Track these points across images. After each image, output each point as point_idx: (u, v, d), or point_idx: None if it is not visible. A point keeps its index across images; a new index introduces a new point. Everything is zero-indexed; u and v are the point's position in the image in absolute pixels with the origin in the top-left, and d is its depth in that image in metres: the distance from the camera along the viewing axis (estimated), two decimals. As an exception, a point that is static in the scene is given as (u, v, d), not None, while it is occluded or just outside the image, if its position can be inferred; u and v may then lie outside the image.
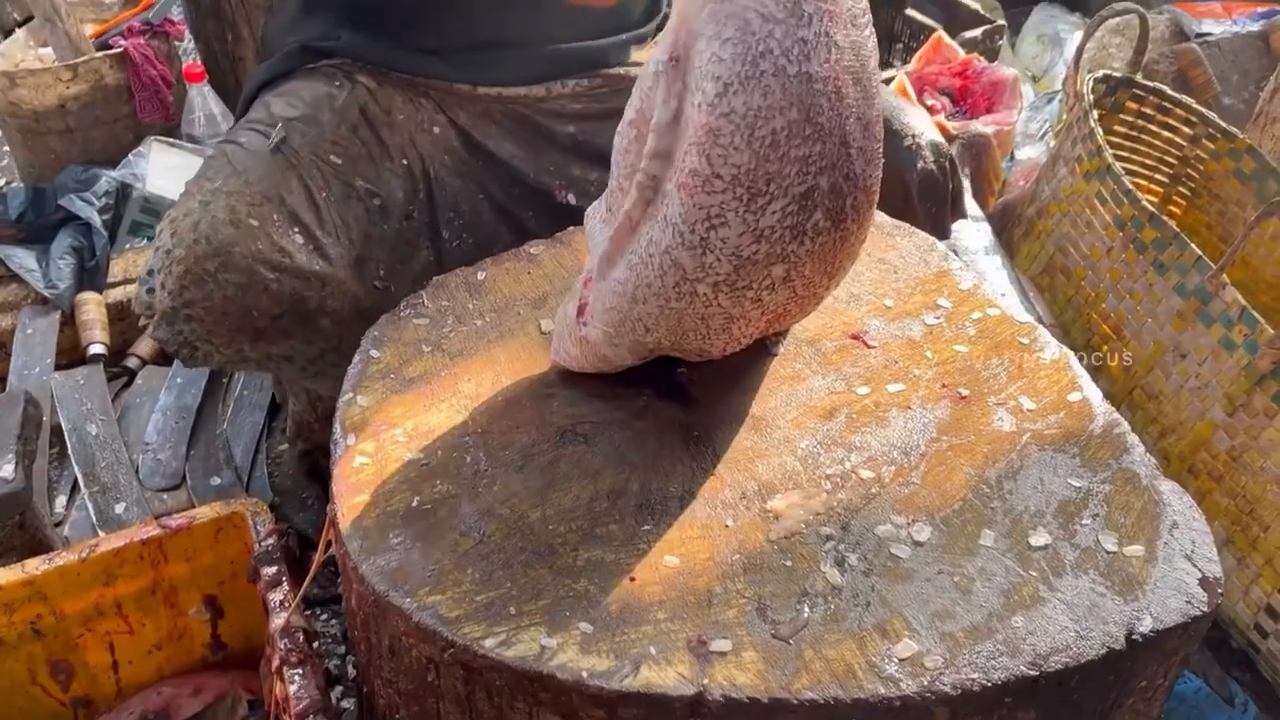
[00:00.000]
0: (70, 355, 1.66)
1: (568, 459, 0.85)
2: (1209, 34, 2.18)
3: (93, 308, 1.69)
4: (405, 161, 1.13)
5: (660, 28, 1.25)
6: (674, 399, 0.90)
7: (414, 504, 0.80)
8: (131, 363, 1.68)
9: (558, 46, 1.15)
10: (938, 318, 0.99)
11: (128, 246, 1.84)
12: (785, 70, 0.71)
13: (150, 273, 1.02)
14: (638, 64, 1.21)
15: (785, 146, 0.72)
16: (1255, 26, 2.17)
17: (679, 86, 0.74)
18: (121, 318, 1.71)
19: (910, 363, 0.94)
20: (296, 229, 1.03)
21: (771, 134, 0.72)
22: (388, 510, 0.80)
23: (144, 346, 1.69)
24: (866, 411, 0.89)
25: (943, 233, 1.22)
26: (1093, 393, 0.91)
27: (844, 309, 1.00)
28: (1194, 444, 1.32)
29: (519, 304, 1.00)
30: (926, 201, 1.16)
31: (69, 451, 1.49)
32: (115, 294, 1.74)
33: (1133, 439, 0.86)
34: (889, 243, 1.08)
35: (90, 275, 1.74)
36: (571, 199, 1.18)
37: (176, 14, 2.07)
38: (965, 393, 0.91)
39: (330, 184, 1.07)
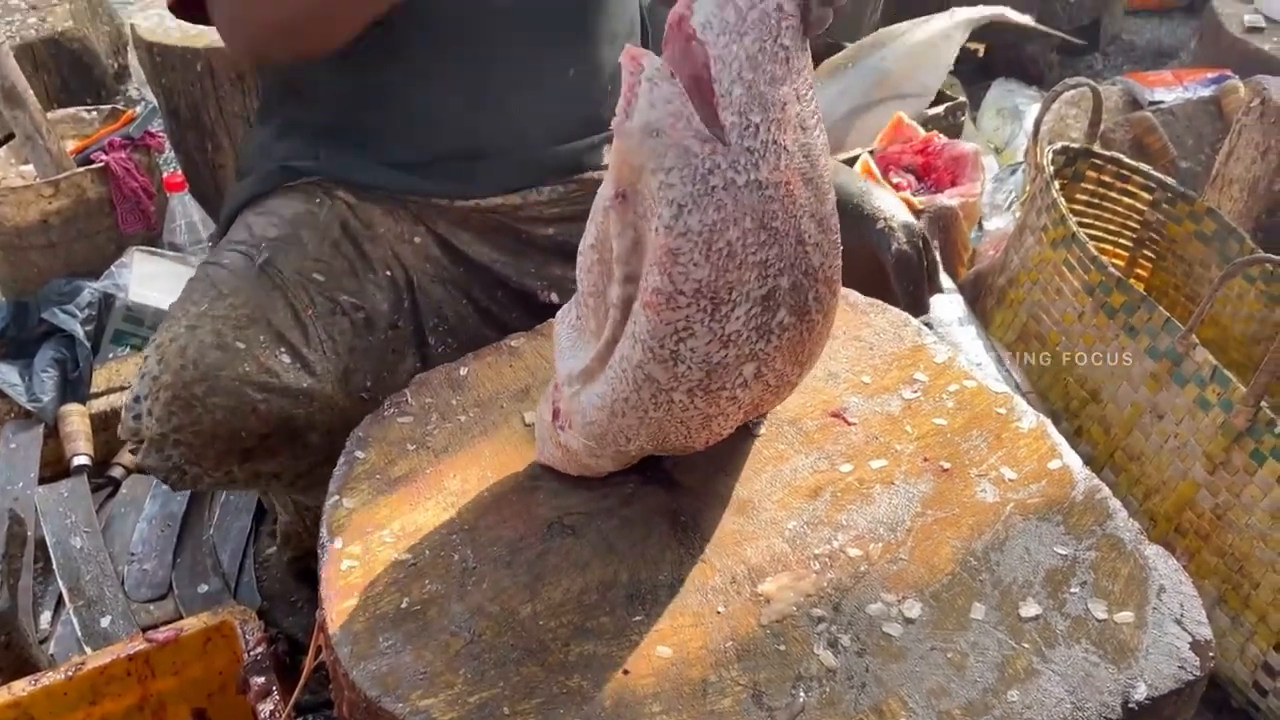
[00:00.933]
0: (55, 467, 1.66)
1: (556, 552, 0.85)
2: (1161, 102, 2.25)
3: (76, 419, 1.69)
4: (389, 273, 1.14)
5: None
6: (659, 484, 0.91)
7: (403, 605, 0.80)
8: (116, 472, 1.67)
9: (530, 154, 1.18)
10: (915, 392, 1.00)
11: (111, 356, 1.85)
12: (735, 182, 0.73)
13: (136, 399, 1.02)
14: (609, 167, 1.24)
15: (743, 255, 0.74)
16: (1206, 92, 2.24)
17: (631, 217, 0.77)
18: (105, 427, 1.71)
19: (891, 438, 0.95)
20: (283, 348, 1.04)
21: (728, 245, 0.74)
22: (377, 613, 0.80)
23: (128, 456, 1.69)
24: (851, 489, 0.90)
25: (921, 309, 1.24)
26: (1072, 459, 0.92)
27: (823, 387, 1.01)
28: (1178, 504, 1.33)
29: (502, 397, 1.01)
30: (903, 281, 1.19)
31: (54, 566, 1.48)
32: (99, 404, 1.74)
33: (1115, 504, 0.87)
34: (863, 320, 1.10)
35: (74, 386, 1.75)
36: (555, 298, 1.20)
37: (156, 126, 2.11)
38: (947, 465, 0.92)
39: (315, 300, 1.08)
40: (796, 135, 0.76)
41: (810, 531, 0.86)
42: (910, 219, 1.20)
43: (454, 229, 1.18)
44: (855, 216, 1.16)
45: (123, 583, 1.47)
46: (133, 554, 1.52)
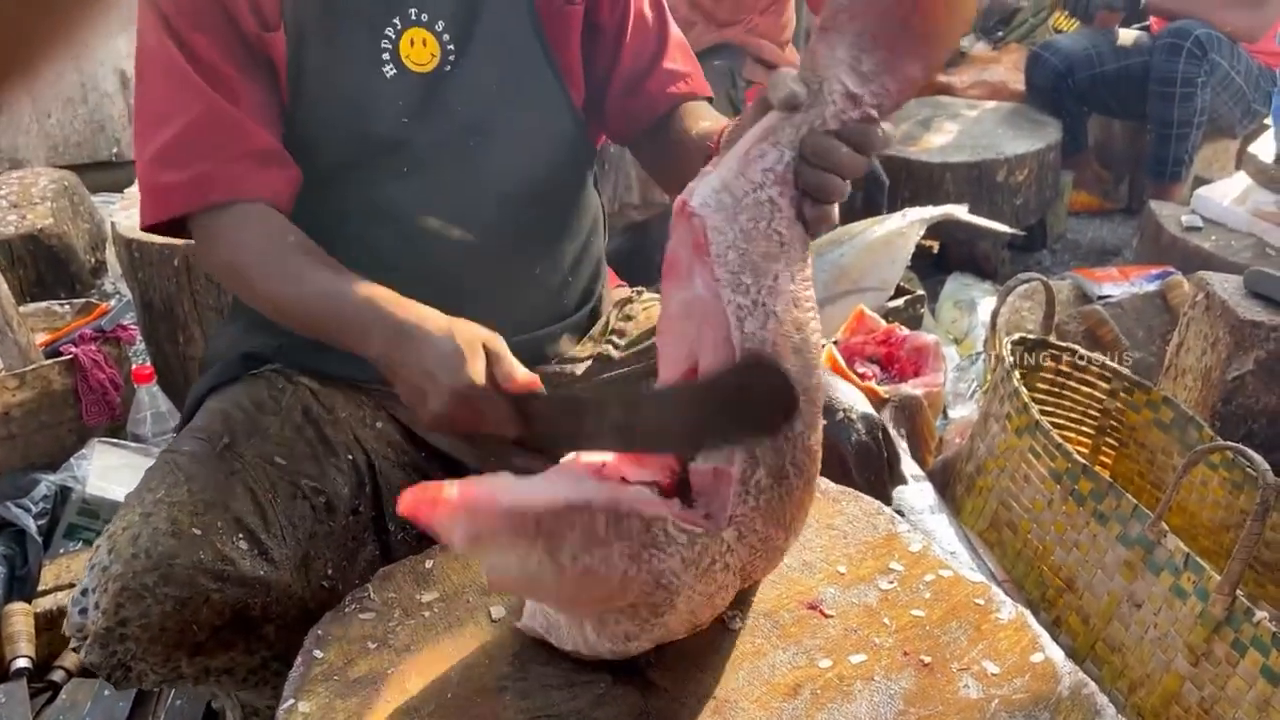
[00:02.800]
0: (-9, 671, 1.57)
1: (523, 758, 0.80)
2: (1109, 296, 2.34)
3: (20, 619, 1.61)
4: (350, 457, 1.13)
5: (594, 315, 1.30)
6: (632, 683, 0.87)
7: (358, 821, 0.75)
8: (57, 676, 1.58)
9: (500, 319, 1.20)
10: (892, 582, 0.99)
11: (62, 551, 1.78)
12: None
13: (84, 592, 0.98)
14: (573, 358, 1.26)
15: None
16: (1151, 287, 2.34)
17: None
18: (50, 626, 1.63)
19: (869, 630, 0.92)
20: (241, 534, 1.01)
21: None
22: (330, 831, 0.74)
23: (71, 658, 1.60)
24: (830, 686, 0.86)
25: (884, 500, 1.24)
26: (1055, 652, 0.90)
27: (798, 578, 0.99)
28: (1165, 698, 1.29)
29: (468, 591, 0.98)
30: (864, 471, 1.19)
31: (-20, 781, 1.37)
32: (45, 601, 1.66)
33: (1102, 699, 0.85)
34: (835, 508, 1.10)
35: (20, 583, 1.67)
36: None
37: (129, 319, 2.13)
38: (928, 659, 0.89)
39: (276, 485, 1.06)
40: (788, 307, 0.80)
41: (790, 733, 0.82)
42: (870, 410, 1.21)
43: (413, 418, 1.18)
44: None
45: (54, 799, 1.36)
46: (67, 766, 1.42)
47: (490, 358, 0.97)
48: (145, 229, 1.12)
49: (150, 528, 0.97)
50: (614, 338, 1.29)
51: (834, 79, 0.80)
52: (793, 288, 0.81)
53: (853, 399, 1.21)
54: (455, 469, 1.19)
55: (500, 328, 1.19)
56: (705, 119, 1.20)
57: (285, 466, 1.08)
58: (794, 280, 0.81)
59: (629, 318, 1.33)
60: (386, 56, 1.11)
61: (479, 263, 1.16)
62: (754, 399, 0.78)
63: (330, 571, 1.07)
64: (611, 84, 1.24)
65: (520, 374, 0.97)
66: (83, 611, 0.97)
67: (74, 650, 0.99)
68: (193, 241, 1.12)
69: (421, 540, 1.16)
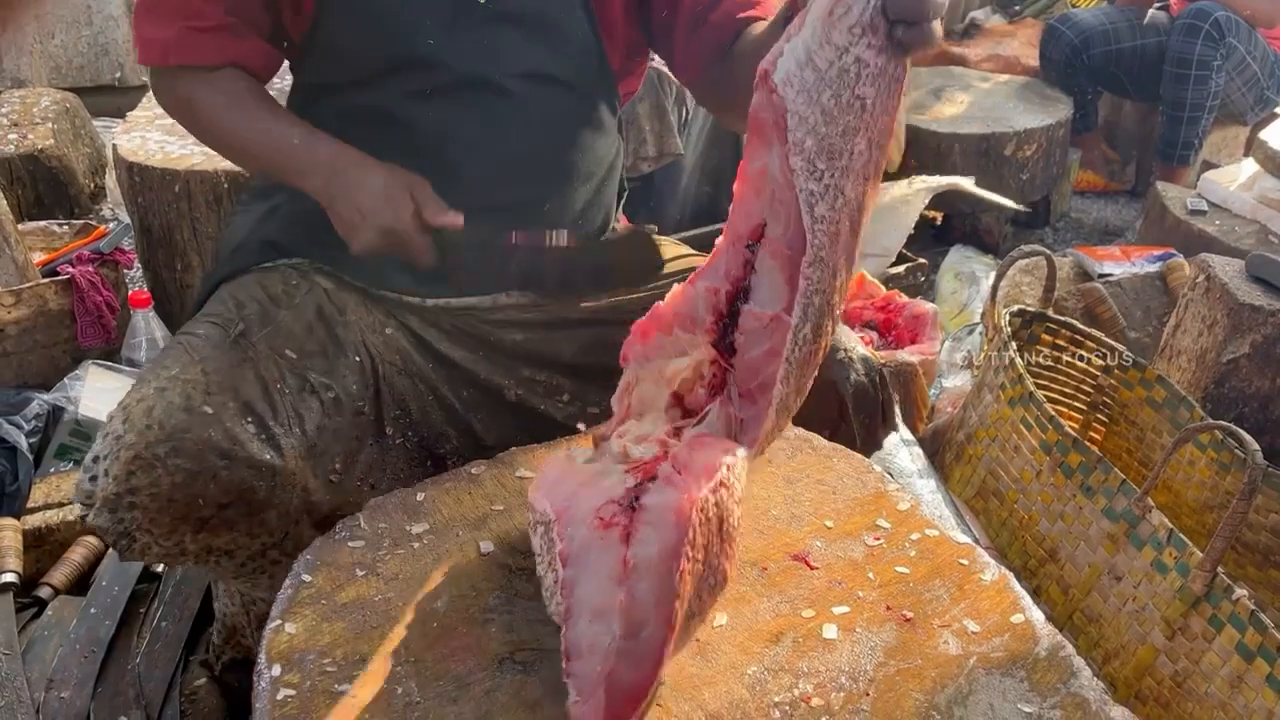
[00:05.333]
0: (-22, 584, 1.57)
1: (506, 689, 0.81)
2: (1110, 274, 2.34)
3: (9, 534, 1.61)
4: (358, 358, 1.14)
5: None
6: (616, 624, 0.88)
7: (341, 740, 0.76)
8: (44, 592, 1.59)
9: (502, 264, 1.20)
10: (878, 539, 0.99)
11: (52, 470, 1.78)
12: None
13: (95, 459, 0.99)
14: None
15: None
16: (1152, 268, 2.34)
17: None
18: (38, 544, 1.64)
19: (854, 584, 0.93)
20: (250, 419, 1.02)
21: None
22: (312, 747, 0.75)
23: (57, 575, 1.61)
24: (812, 635, 0.87)
25: (876, 444, 1.25)
26: (1035, 614, 0.91)
27: (786, 529, 1.00)
28: (1138, 670, 1.31)
29: (458, 525, 0.99)
30: (860, 412, 1.20)
31: (-36, 690, 1.38)
32: (34, 519, 1.67)
33: (1079, 662, 0.86)
34: (826, 464, 1.10)
35: (10, 500, 1.68)
36: (519, 395, 1.21)
37: (128, 244, 2.11)
38: (910, 615, 0.90)
39: (286, 377, 1.07)
40: (857, 181, 0.82)
41: (770, 678, 0.83)
42: (867, 353, 1.22)
43: (425, 327, 1.20)
44: None
45: (38, 710, 1.38)
46: (51, 680, 1.43)
47: (417, 200, 1.11)
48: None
49: (165, 401, 0.98)
50: None
51: None
52: (867, 157, 0.82)
53: (852, 341, 1.22)
54: (462, 380, 1.20)
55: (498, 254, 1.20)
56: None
57: (295, 360, 1.09)
58: (871, 145, 0.82)
59: None
60: None
61: (490, 193, 1.16)
62: (634, 259, 1.18)
63: (338, 465, 1.09)
64: (677, 26, 1.22)
65: (441, 214, 1.12)
66: (93, 478, 0.99)
67: (81, 519, 1.01)
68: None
69: (420, 449, 1.17)
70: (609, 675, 0.73)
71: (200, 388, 1.01)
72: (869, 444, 1.23)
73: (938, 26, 0.80)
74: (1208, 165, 3.15)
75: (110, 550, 1.08)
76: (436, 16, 1.12)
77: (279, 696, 0.79)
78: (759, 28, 1.18)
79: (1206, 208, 2.55)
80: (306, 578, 0.92)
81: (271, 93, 1.20)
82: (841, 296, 0.88)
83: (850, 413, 1.19)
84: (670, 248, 1.36)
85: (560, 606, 0.77)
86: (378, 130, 1.15)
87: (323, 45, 1.16)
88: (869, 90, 0.80)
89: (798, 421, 1.01)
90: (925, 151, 3.01)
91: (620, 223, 1.37)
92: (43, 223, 2.25)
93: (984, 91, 3.35)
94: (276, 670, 0.82)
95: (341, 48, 1.14)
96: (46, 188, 2.71)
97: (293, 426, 1.05)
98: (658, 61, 2.37)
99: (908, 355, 1.88)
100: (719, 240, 0.88)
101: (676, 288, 0.91)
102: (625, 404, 0.93)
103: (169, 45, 1.15)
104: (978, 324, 2.28)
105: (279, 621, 0.87)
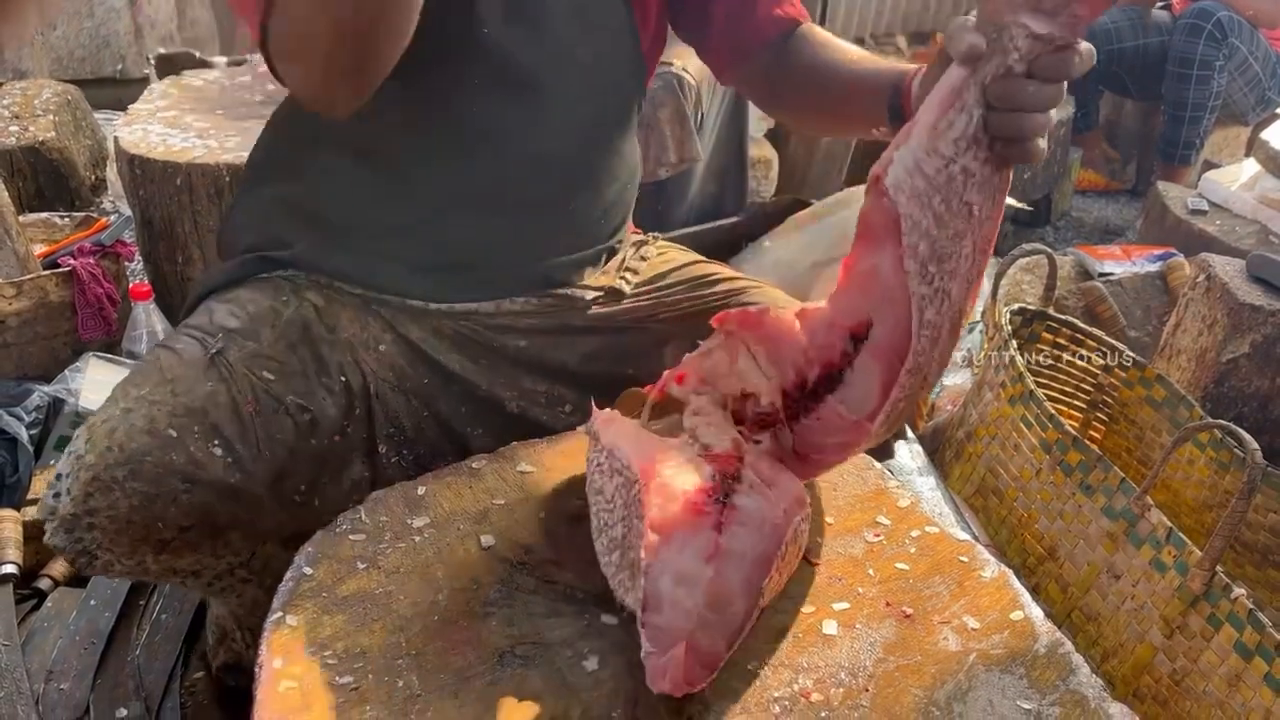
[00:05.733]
0: (-22, 576, 1.58)
1: (506, 683, 0.81)
2: (1111, 273, 2.35)
3: (9, 525, 1.62)
4: (344, 379, 1.13)
5: (611, 252, 1.30)
6: (616, 616, 0.88)
7: (342, 732, 0.76)
8: (44, 584, 1.59)
9: (511, 268, 1.20)
10: (878, 535, 1.00)
11: (52, 462, 1.79)
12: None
13: (59, 477, 0.99)
14: (585, 286, 1.26)
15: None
16: (1153, 267, 2.34)
17: None
18: (38, 535, 1.63)
19: (853, 580, 0.94)
20: (217, 442, 1.01)
21: None
22: (313, 739, 0.75)
23: (58, 567, 1.61)
24: (812, 631, 0.88)
25: (887, 450, 1.25)
26: (1034, 611, 0.91)
27: (786, 527, 1.00)
28: (1136, 668, 1.31)
29: (459, 519, 0.99)
30: None
31: (-36, 681, 1.39)
32: (34, 511, 1.67)
33: (1078, 659, 0.86)
34: (827, 462, 1.10)
35: (10, 491, 1.68)
36: (521, 407, 1.20)
37: (129, 236, 2.11)
38: (909, 611, 0.90)
39: (260, 399, 1.06)
40: (961, 286, 0.84)
41: (770, 673, 0.83)
42: None
43: (425, 335, 1.18)
44: None
45: (37, 702, 1.38)
46: (51, 671, 1.43)
47: None
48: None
49: (128, 423, 0.98)
50: (627, 274, 1.29)
51: (1013, 24, 0.77)
52: (973, 262, 0.84)
53: None
54: (461, 394, 1.19)
55: (523, 253, 1.19)
56: (843, 49, 1.18)
57: (272, 382, 1.08)
58: (976, 244, 0.84)
59: (643, 258, 1.33)
60: None
61: (523, 188, 1.16)
62: None
63: (303, 488, 1.08)
64: (713, 19, 1.22)
65: None
66: (56, 495, 0.99)
67: (42, 534, 1.01)
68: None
69: (415, 467, 1.17)
70: (690, 637, 0.78)
71: (166, 410, 1.00)
72: (882, 450, 1.24)
73: (1041, 143, 0.81)
74: (1209, 165, 3.15)
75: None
76: (489, 6, 1.09)
77: (280, 688, 0.80)
78: (813, 33, 1.20)
79: (1207, 207, 2.55)
80: (308, 570, 0.92)
81: (271, 89, 1.17)
82: (922, 398, 0.92)
83: None
84: (676, 254, 1.36)
85: (643, 562, 0.81)
86: (421, 118, 1.12)
87: None
88: (976, 197, 0.82)
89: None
90: (926, 149, 3.00)
91: (628, 230, 1.37)
92: (44, 215, 2.25)
93: (986, 90, 3.35)
94: (278, 663, 0.82)
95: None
96: (47, 180, 2.71)
97: (262, 449, 1.04)
98: (676, 66, 2.37)
99: (908, 353, 1.88)
100: (819, 307, 0.92)
101: (784, 314, 0.94)
102: (698, 368, 1.00)
103: None
104: (978, 322, 2.28)
105: (280, 614, 0.87)
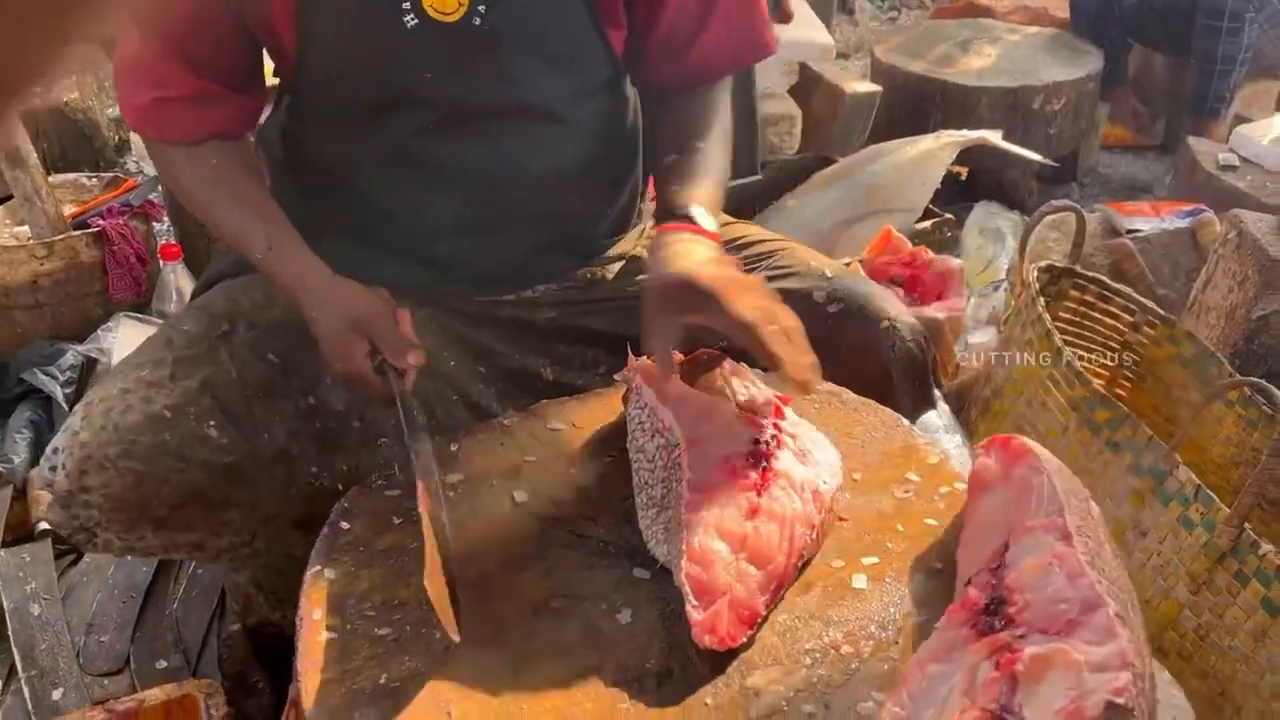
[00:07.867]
0: (18, 531, 1.61)
1: (541, 634, 0.83)
2: (1139, 230, 2.32)
3: (46, 483, 1.65)
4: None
5: (634, 217, 1.29)
6: (649, 570, 0.89)
7: (381, 681, 0.78)
8: (81, 540, 1.63)
9: (532, 264, 1.19)
10: (907, 492, 1.00)
11: (86, 421, 1.82)
12: None
13: (54, 450, 1.00)
14: (605, 259, 1.24)
15: None
16: (1182, 224, 2.31)
17: None
18: (74, 493, 1.67)
19: (883, 535, 0.94)
20: (212, 423, 1.02)
21: None
22: (354, 688, 0.77)
23: (95, 523, 1.65)
24: (842, 584, 0.89)
25: (929, 402, 1.25)
26: (1063, 566, 0.91)
27: (815, 483, 1.01)
28: (1161, 623, 1.32)
29: (493, 475, 1.00)
30: (908, 379, 1.20)
31: (9, 633, 1.42)
32: (70, 469, 1.70)
33: (1106, 612, 0.87)
34: (854, 418, 1.11)
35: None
36: (556, 373, 1.21)
37: (157, 197, 2.12)
38: (939, 566, 0.91)
39: (262, 380, 1.07)
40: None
41: (801, 626, 0.84)
42: (912, 320, 1.22)
43: (451, 317, 1.18)
44: (860, 316, 1.18)
45: (78, 654, 1.42)
46: (91, 624, 1.47)
47: (374, 339, 1.02)
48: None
49: (124, 403, 1.00)
50: (649, 242, 1.28)
51: None
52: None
53: (897, 308, 1.21)
54: (491, 368, 1.20)
55: (521, 260, 1.18)
56: (690, 138, 1.13)
57: (277, 364, 1.08)
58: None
59: None
60: (408, 5, 1.00)
61: (507, 214, 1.14)
62: None
63: (314, 470, 1.09)
64: (649, 45, 1.14)
65: (400, 354, 1.01)
66: (52, 469, 1.00)
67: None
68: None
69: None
70: (730, 590, 0.81)
71: (164, 390, 1.01)
72: (921, 405, 1.23)
73: None
74: (1240, 120, 3.10)
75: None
76: (429, 50, 1.03)
77: (320, 638, 0.81)
78: (698, 111, 1.16)
79: (1238, 163, 2.52)
80: (345, 525, 0.94)
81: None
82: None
83: (896, 380, 1.18)
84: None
85: (685, 516, 0.85)
86: (381, 167, 1.09)
87: (310, 85, 1.08)
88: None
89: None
90: (952, 105, 2.97)
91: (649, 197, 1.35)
92: (72, 175, 2.26)
93: (1012, 44, 3.30)
94: (317, 615, 0.84)
95: (331, 90, 1.08)
96: (71, 141, 2.72)
97: (260, 430, 1.05)
98: None
99: (934, 312, 1.88)
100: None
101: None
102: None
103: (144, 114, 1.08)
104: (1003, 280, 2.27)
105: (319, 567, 0.89)
